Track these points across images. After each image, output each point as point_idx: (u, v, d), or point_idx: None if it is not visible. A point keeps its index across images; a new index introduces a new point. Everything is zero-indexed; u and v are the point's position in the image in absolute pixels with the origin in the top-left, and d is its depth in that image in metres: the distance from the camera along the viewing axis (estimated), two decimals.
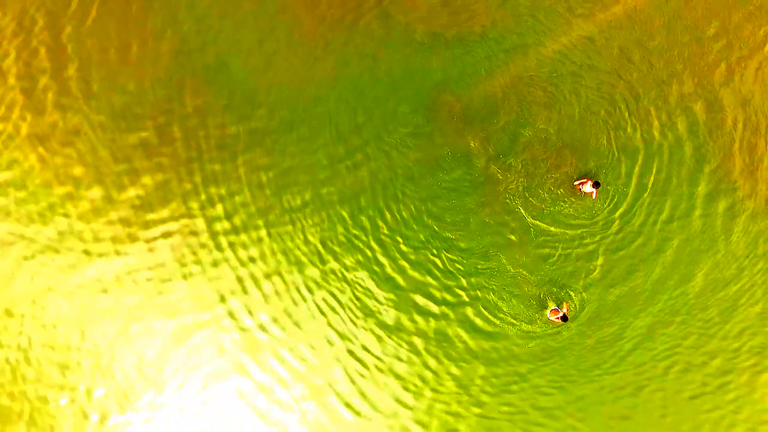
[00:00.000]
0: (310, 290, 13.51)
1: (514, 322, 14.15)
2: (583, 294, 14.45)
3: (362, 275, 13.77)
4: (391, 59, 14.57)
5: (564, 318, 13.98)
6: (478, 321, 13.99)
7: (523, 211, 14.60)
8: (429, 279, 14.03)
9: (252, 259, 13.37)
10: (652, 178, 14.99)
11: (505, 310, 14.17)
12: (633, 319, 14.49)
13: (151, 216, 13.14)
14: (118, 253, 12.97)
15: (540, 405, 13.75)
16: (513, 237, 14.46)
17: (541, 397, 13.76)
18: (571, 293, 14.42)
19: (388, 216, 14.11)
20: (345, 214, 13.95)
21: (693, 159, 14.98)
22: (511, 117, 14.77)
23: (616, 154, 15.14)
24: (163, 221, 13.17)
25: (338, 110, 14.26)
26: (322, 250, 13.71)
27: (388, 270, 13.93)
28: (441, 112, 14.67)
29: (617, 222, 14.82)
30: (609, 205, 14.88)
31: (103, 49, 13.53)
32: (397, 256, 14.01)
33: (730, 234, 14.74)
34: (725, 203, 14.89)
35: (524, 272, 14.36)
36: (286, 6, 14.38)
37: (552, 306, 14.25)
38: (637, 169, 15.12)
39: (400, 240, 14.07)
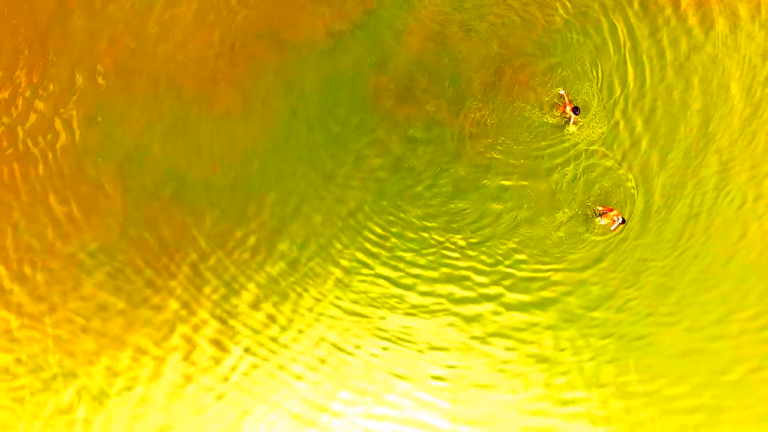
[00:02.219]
0: (358, 347, 13.37)
1: (574, 252, 13.57)
2: (629, 185, 13.69)
3: (401, 307, 13.48)
4: (312, 77, 13.91)
5: (623, 220, 13.32)
6: (533, 284, 13.49)
7: (520, 159, 13.76)
8: (464, 272, 13.59)
9: (302, 353, 13.26)
10: (626, 43, 13.69)
11: (560, 250, 13.58)
12: (688, 180, 13.66)
13: (206, 370, 13.17)
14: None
15: (634, 319, 13.33)
16: (526, 185, 13.72)
17: (627, 313, 13.30)
18: (619, 194, 13.69)
19: (388, 243, 13.67)
20: (356, 261, 13.59)
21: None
22: (445, 67, 13.99)
23: (576, 34, 13.86)
24: (213, 369, 13.21)
25: (302, 165, 13.81)
26: (356, 307, 13.44)
27: (418, 287, 13.55)
28: (381, 100, 13.94)
29: (621, 101, 13.82)
30: (601, 88, 13.81)
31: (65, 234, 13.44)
32: (417, 270, 13.59)
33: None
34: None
35: (555, 205, 13.68)
36: (192, 89, 13.80)
37: (601, 210, 13.57)
38: (606, 33, 13.84)
39: (408, 254, 13.62)
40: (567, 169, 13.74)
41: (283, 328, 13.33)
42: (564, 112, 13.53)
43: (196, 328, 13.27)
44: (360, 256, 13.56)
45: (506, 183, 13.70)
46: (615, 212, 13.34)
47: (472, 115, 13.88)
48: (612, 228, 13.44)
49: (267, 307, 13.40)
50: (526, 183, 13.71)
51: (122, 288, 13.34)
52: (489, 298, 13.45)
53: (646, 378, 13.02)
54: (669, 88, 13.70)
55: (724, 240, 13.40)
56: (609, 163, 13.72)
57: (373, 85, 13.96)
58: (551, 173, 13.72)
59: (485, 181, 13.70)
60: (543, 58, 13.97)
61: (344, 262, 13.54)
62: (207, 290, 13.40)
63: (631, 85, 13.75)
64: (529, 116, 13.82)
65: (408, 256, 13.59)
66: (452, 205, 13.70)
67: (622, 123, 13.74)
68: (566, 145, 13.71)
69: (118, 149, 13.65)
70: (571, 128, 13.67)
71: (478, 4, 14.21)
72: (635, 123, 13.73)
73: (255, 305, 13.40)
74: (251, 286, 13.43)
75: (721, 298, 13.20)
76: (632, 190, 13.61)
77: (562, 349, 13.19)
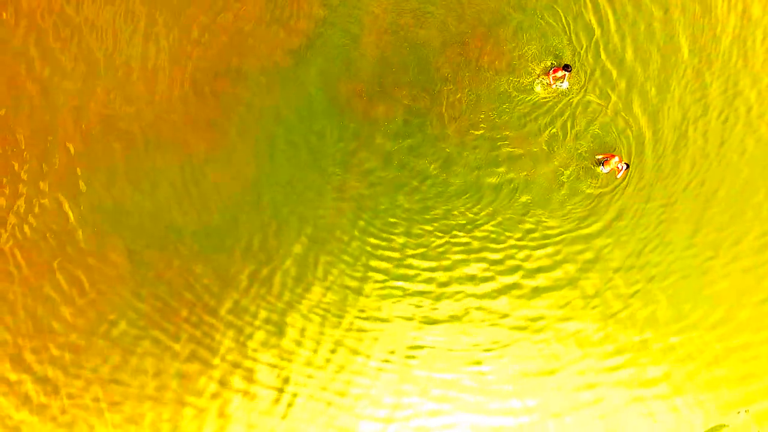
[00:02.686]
0: (388, 361, 13.28)
1: (587, 214, 13.15)
2: (630, 121, 13.16)
3: (431, 311, 13.36)
4: (283, 99, 13.64)
5: (627, 165, 12.84)
6: (555, 258, 13.18)
7: (507, 130, 13.33)
8: (480, 264, 13.34)
9: (356, 373, 13.25)
10: None
11: (575, 217, 13.17)
12: (688, 108, 13.10)
13: (267, 412, 13.23)
14: None
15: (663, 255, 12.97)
16: (522, 156, 13.34)
17: (654, 264, 12.91)
18: (621, 140, 13.18)
19: (403, 254, 13.44)
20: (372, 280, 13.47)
21: None
22: (409, 56, 13.55)
23: None
24: (273, 409, 13.23)
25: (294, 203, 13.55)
26: (390, 318, 13.35)
27: (441, 287, 13.37)
28: (355, 105, 13.60)
29: (601, 44, 13.23)
30: (577, 36, 13.23)
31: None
32: (439, 276, 13.40)
33: None
34: None
35: (556, 170, 13.28)
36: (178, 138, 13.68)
37: (600, 158, 13.02)
38: None
39: (418, 259, 13.40)
40: (560, 127, 13.24)
41: (328, 359, 13.35)
42: (556, 77, 12.98)
43: (247, 376, 13.30)
44: (372, 274, 13.46)
45: (500, 166, 13.34)
46: (616, 158, 12.71)
47: (449, 99, 13.44)
48: (618, 176, 12.83)
49: (308, 340, 13.37)
50: (521, 151, 13.32)
51: (164, 352, 13.36)
52: (513, 286, 13.26)
53: (691, 324, 12.73)
54: (648, 20, 12.86)
55: (737, 165, 12.88)
56: (603, 106, 13.23)
57: (344, 91, 13.61)
58: (544, 137, 13.28)
59: (477, 171, 13.34)
60: (505, 22, 13.29)
61: (367, 287, 13.43)
62: (242, 338, 13.39)
63: (609, 25, 13.00)
64: (504, 85, 13.37)
65: (424, 263, 13.43)
66: (455, 199, 13.42)
67: (609, 66, 13.18)
68: (560, 106, 13.18)
69: (112, 214, 13.49)
70: (541, 92, 13.26)
71: None
72: (622, 63, 13.13)
73: (298, 340, 13.37)
74: (287, 322, 13.39)
75: (746, 225, 12.76)
76: (632, 133, 13.14)
77: (602, 317, 12.95)
